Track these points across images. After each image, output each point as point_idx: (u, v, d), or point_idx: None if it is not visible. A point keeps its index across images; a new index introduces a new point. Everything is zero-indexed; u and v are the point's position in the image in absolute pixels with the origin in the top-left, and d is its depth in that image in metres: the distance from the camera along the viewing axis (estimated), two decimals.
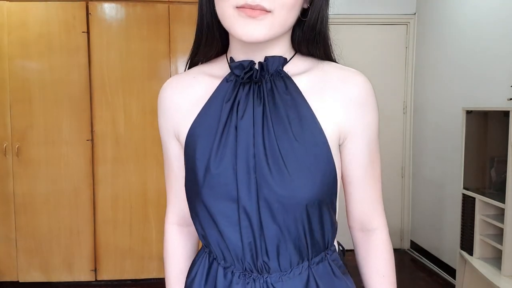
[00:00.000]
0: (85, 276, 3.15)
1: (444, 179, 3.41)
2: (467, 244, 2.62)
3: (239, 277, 0.77)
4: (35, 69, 3.01)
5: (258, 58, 0.75)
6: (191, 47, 0.85)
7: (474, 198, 2.54)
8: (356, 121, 0.76)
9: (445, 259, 3.39)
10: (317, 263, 0.78)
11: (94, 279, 3.16)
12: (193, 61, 0.85)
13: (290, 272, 0.76)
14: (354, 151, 0.78)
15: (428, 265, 3.62)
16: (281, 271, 0.76)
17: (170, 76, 3.05)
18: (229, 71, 0.77)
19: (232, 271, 0.77)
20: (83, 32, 3.01)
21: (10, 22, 2.97)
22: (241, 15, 0.67)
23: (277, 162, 0.70)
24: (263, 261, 0.75)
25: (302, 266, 0.77)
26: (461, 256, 2.68)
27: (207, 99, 0.77)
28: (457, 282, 2.79)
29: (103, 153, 3.09)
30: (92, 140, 3.07)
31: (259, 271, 0.76)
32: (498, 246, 2.33)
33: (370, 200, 0.82)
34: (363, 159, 0.79)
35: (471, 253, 2.57)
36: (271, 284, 0.76)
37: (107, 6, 3.02)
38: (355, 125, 0.76)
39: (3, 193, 3.06)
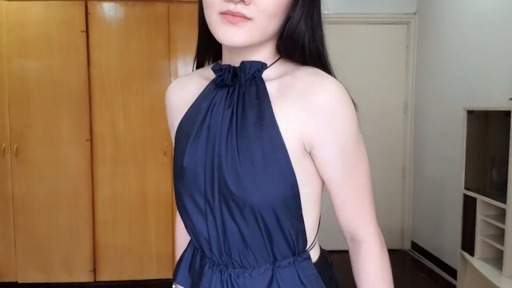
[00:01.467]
0: (84, 276, 3.14)
1: (445, 179, 3.40)
2: (468, 244, 2.61)
3: (209, 267, 0.82)
4: (34, 69, 3.00)
5: (239, 62, 0.78)
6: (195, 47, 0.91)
7: (475, 198, 2.53)
8: (322, 129, 0.74)
9: (446, 260, 3.38)
10: (284, 267, 0.79)
11: (93, 280, 3.15)
12: (199, 63, 0.91)
13: (252, 270, 0.79)
14: (324, 160, 0.77)
15: (429, 265, 3.61)
16: (243, 267, 0.79)
17: (170, 76, 3.06)
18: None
19: (206, 260, 0.83)
20: (82, 31, 3.00)
21: (8, 21, 2.96)
22: (223, 21, 0.70)
23: (234, 164, 0.73)
24: (226, 255, 0.79)
25: (266, 268, 0.79)
26: (462, 256, 2.67)
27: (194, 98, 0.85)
28: (458, 283, 2.78)
29: (102, 153, 3.08)
30: (91, 140, 3.06)
31: (224, 264, 0.80)
32: (499, 246, 2.32)
33: (353, 209, 0.81)
34: (337, 168, 0.77)
35: (472, 254, 2.56)
36: (234, 278, 0.79)
37: (106, 6, 3.01)
38: (321, 133, 0.74)
39: (2, 193, 3.05)
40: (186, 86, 0.88)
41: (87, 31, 3.00)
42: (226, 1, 0.69)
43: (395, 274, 0.88)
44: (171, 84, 0.90)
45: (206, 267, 0.82)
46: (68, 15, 2.98)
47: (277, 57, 0.81)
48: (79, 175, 3.07)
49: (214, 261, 0.81)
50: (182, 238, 0.99)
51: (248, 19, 0.70)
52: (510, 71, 2.60)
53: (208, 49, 0.85)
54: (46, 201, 3.07)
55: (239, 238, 0.76)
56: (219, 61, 0.85)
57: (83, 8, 2.99)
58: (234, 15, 0.69)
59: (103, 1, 3.00)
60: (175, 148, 0.84)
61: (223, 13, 0.70)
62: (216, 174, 0.75)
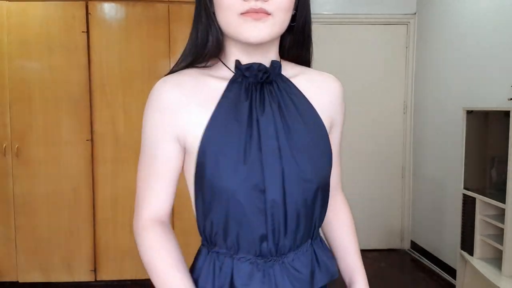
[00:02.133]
0: (84, 276, 3.14)
1: (444, 179, 3.41)
2: (467, 244, 2.62)
3: (258, 266, 0.81)
4: (34, 69, 3.01)
5: (258, 60, 0.82)
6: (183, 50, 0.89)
7: (474, 198, 2.54)
8: (338, 114, 0.93)
9: (446, 260, 3.39)
10: (315, 238, 0.89)
11: (93, 279, 3.16)
12: (194, 62, 0.86)
13: (300, 250, 0.84)
14: (334, 139, 0.93)
15: (429, 265, 3.61)
16: (294, 250, 0.83)
17: None
18: (229, 73, 0.83)
19: (251, 261, 0.81)
20: (82, 32, 3.00)
21: (9, 22, 2.97)
22: (246, 20, 0.75)
23: (299, 151, 0.80)
24: (283, 243, 0.81)
25: (307, 243, 0.86)
26: (462, 256, 2.68)
27: (216, 100, 0.81)
28: (457, 283, 2.78)
29: (103, 153, 3.08)
30: (91, 140, 3.07)
31: (278, 253, 0.81)
32: (499, 246, 2.32)
33: (337, 172, 0.99)
34: (338, 145, 0.97)
35: (471, 253, 2.57)
36: (288, 264, 0.82)
37: (106, 6, 3.02)
38: (338, 117, 0.93)
39: (3, 193, 3.06)
40: (196, 86, 0.82)
41: (87, 32, 3.01)
42: (246, 1, 0.73)
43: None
44: (167, 82, 0.82)
45: (255, 268, 0.81)
46: (68, 15, 2.99)
47: (279, 56, 0.88)
48: (79, 175, 3.08)
49: (265, 255, 0.81)
50: (172, 245, 0.88)
51: (269, 14, 0.75)
52: (509, 71, 2.61)
53: (204, 49, 0.84)
54: (46, 200, 3.07)
55: (298, 222, 0.81)
56: (220, 60, 0.86)
57: (84, 8, 2.99)
58: (257, 12, 0.74)
59: (103, 1, 3.01)
60: (210, 151, 0.78)
61: (244, 13, 0.74)
62: (278, 166, 0.78)
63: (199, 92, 0.82)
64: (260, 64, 0.81)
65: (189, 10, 3.05)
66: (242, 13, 0.74)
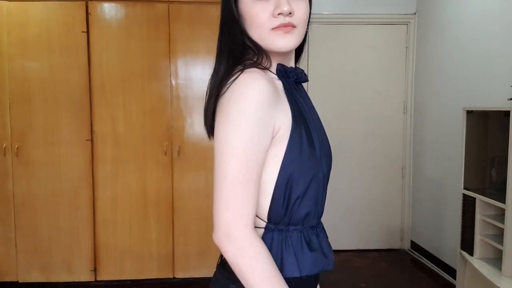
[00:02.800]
0: (84, 276, 3.15)
1: (444, 179, 3.41)
2: (467, 244, 2.62)
3: (313, 233, 0.95)
4: (34, 69, 3.01)
5: (285, 63, 0.96)
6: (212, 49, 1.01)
7: (474, 198, 2.54)
8: None
9: (446, 259, 3.39)
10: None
11: (93, 280, 3.16)
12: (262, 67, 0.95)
13: (319, 224, 1.00)
14: None
15: (429, 265, 3.61)
16: (319, 223, 1.00)
17: (170, 76, 3.06)
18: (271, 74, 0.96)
19: (310, 231, 0.95)
20: (82, 32, 3.01)
21: (9, 22, 2.97)
22: (277, 33, 0.89)
23: (326, 136, 1.00)
24: (320, 214, 0.99)
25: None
26: (462, 256, 2.68)
27: (282, 94, 0.92)
28: (457, 282, 2.78)
29: (103, 153, 3.09)
30: (91, 140, 3.07)
31: (318, 223, 0.98)
32: (499, 246, 2.32)
33: None
34: None
35: (471, 253, 2.57)
36: (321, 232, 0.99)
37: (106, 6, 3.02)
38: None
39: (3, 193, 3.06)
40: (270, 81, 0.90)
41: (87, 32, 3.01)
42: (275, 17, 0.87)
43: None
44: (260, 79, 0.85)
45: (315, 234, 0.95)
46: (68, 15, 2.99)
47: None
48: (79, 175, 3.08)
49: (314, 225, 0.96)
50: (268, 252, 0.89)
51: (294, 27, 0.89)
52: (509, 71, 2.61)
53: (267, 57, 0.94)
54: (46, 200, 3.08)
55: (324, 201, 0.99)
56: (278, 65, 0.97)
57: (84, 8, 3.00)
58: (286, 26, 0.88)
59: (103, 1, 3.01)
60: (301, 136, 0.89)
61: (275, 28, 0.88)
62: (328, 143, 1.00)
63: (275, 86, 0.90)
64: (297, 68, 0.99)
65: (188, 10, 3.05)
66: (273, 28, 0.88)
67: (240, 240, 0.82)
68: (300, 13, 0.90)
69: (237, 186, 0.82)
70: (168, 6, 3.04)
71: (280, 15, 0.87)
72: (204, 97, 0.98)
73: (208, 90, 0.95)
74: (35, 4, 2.98)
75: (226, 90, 0.86)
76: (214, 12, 3.04)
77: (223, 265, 0.95)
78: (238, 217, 0.82)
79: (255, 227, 0.87)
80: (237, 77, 0.86)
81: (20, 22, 2.98)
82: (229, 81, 0.87)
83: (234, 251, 0.82)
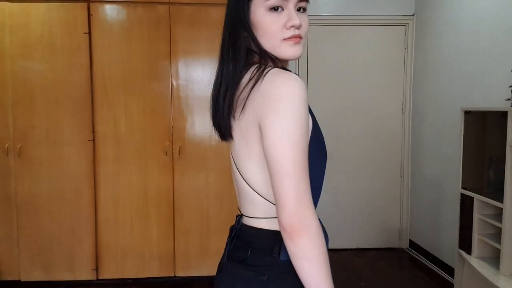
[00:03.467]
0: (86, 275, 3.16)
1: (442, 178, 3.43)
2: (465, 243, 2.64)
3: None
4: (36, 70, 3.03)
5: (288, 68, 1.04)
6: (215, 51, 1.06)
7: (472, 198, 2.55)
8: None
9: (444, 258, 3.41)
10: None
11: (95, 278, 3.18)
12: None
13: None
14: None
15: (427, 264, 3.64)
16: None
17: (171, 77, 3.09)
18: None
19: None
20: (84, 33, 3.02)
21: (11, 23, 2.99)
22: (288, 43, 0.97)
23: None
24: None
25: None
26: (460, 255, 2.70)
27: None
28: (455, 281, 2.80)
29: (105, 153, 3.11)
30: (93, 140, 3.09)
31: None
32: (497, 245, 2.34)
33: None
34: None
35: (469, 253, 2.59)
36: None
37: (108, 7, 3.04)
38: None
39: (5, 192, 3.08)
40: None
41: (89, 33, 3.03)
42: (287, 29, 0.96)
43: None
44: (298, 78, 0.92)
45: None
46: (70, 16, 3.01)
47: None
48: (81, 174, 3.10)
49: None
50: None
51: (301, 38, 0.99)
52: (507, 72, 2.63)
53: (272, 61, 1.01)
54: (48, 200, 3.10)
55: None
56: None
57: (86, 9, 3.02)
58: (296, 37, 0.97)
59: (105, 3, 3.03)
60: (318, 131, 0.99)
61: (286, 39, 0.97)
62: None
63: None
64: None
65: (189, 12, 3.07)
66: (284, 39, 0.97)
67: (314, 226, 0.86)
68: (305, 26, 1.01)
69: (304, 174, 0.87)
70: (169, 7, 3.06)
71: (292, 28, 0.96)
72: (208, 98, 1.06)
73: (220, 91, 1.01)
74: (37, 5, 2.99)
75: (261, 88, 0.91)
76: (215, 14, 3.06)
77: (242, 261, 0.99)
78: (309, 203, 0.87)
79: None
80: (265, 75, 0.92)
81: (22, 23, 2.99)
82: (257, 80, 0.93)
83: (310, 236, 0.85)
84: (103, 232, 3.15)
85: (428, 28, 3.70)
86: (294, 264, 0.87)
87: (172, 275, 3.23)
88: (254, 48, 1.00)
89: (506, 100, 2.45)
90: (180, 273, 3.23)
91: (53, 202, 3.10)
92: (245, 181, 1.01)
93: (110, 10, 3.04)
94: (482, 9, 2.93)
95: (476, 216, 2.54)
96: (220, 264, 1.08)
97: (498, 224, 2.33)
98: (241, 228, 1.04)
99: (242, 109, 0.94)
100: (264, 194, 0.98)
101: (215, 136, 1.21)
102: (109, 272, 3.18)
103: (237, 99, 0.97)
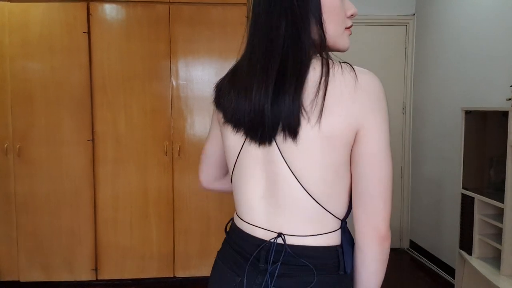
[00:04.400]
0: (85, 275, 3.16)
1: (443, 179, 3.43)
2: (466, 243, 2.63)
3: None
4: (36, 70, 3.02)
5: None
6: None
7: (473, 198, 2.55)
8: None
9: (445, 259, 3.40)
10: None
11: (94, 279, 3.17)
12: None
13: None
14: None
15: (428, 264, 3.63)
16: None
17: (171, 77, 3.08)
18: None
19: None
20: (84, 32, 3.02)
21: (11, 22, 2.98)
22: (347, 34, 0.92)
23: None
24: None
25: None
26: (460, 255, 2.69)
27: None
28: (456, 282, 2.79)
29: (104, 153, 3.10)
30: (93, 140, 3.09)
31: None
32: (497, 245, 2.34)
33: None
34: None
35: (470, 253, 2.58)
36: None
37: (107, 7, 3.03)
38: None
39: (4, 192, 3.07)
40: None
41: (88, 32, 3.03)
42: (349, 18, 0.91)
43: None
44: None
45: None
46: (70, 16, 3.01)
47: None
48: (81, 174, 3.09)
49: None
50: None
51: None
52: (507, 72, 2.63)
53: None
54: (48, 200, 3.09)
55: None
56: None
57: (85, 9, 3.01)
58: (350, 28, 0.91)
59: (104, 2, 3.02)
60: None
61: (347, 28, 0.91)
62: None
63: None
64: None
65: (189, 11, 3.06)
66: (346, 28, 0.91)
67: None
68: None
69: (391, 187, 0.86)
70: (169, 7, 3.05)
71: (351, 17, 0.90)
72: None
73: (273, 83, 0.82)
74: (36, 5, 2.99)
75: (361, 83, 0.83)
76: (215, 13, 3.06)
77: None
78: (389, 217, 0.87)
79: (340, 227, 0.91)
80: (352, 69, 0.86)
81: (22, 22, 2.99)
82: (330, 74, 0.83)
83: (388, 245, 0.88)
84: (103, 232, 3.15)
85: (428, 28, 3.69)
86: (370, 270, 0.88)
87: (172, 276, 3.22)
88: (313, 35, 0.86)
89: (507, 100, 2.44)
90: (180, 274, 3.22)
91: (53, 202, 3.09)
92: (310, 195, 0.85)
93: (109, 10, 3.04)
94: (482, 8, 2.93)
95: (476, 216, 2.53)
96: None
97: (498, 224, 2.32)
98: (287, 250, 0.86)
99: (322, 107, 0.80)
100: (329, 208, 0.87)
101: None
102: (108, 273, 3.18)
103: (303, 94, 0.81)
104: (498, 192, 2.40)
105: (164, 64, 3.09)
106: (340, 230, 0.89)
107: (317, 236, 0.87)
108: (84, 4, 3.01)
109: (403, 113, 4.02)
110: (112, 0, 3.03)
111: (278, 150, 0.85)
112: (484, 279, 2.32)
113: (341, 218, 0.89)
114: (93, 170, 3.10)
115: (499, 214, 2.37)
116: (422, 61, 3.80)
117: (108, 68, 3.06)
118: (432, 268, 3.55)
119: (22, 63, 3.01)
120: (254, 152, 0.89)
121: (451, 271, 3.22)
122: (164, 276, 3.21)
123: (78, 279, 3.16)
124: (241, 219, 0.96)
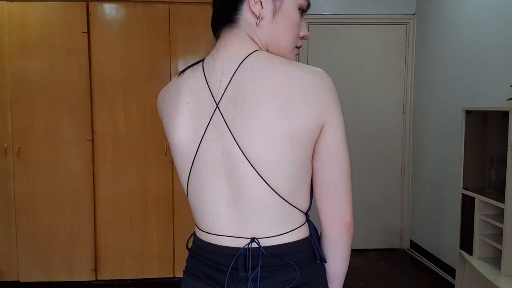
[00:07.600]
0: (85, 276, 3.15)
1: (443, 179, 3.42)
2: (466, 244, 2.63)
3: None
4: (35, 70, 3.02)
5: None
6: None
7: (473, 198, 2.54)
8: None
9: (445, 259, 3.40)
10: None
11: (94, 279, 3.17)
12: None
13: None
14: None
15: (428, 264, 3.62)
16: None
17: (170, 76, 3.07)
18: None
19: None
20: (83, 32, 3.01)
21: (10, 22, 2.98)
22: (295, 52, 0.95)
23: None
24: None
25: None
26: (461, 256, 2.69)
27: None
28: (456, 282, 2.79)
29: (104, 153, 3.09)
30: (92, 140, 3.08)
31: None
32: (498, 246, 2.33)
33: None
34: None
35: (470, 253, 2.58)
36: None
37: (107, 7, 3.03)
38: None
39: (4, 193, 3.07)
40: None
41: (88, 32, 3.02)
42: (300, 38, 0.94)
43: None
44: None
45: None
46: (69, 16, 3.00)
47: None
48: (80, 174, 3.09)
49: None
50: None
51: None
52: (508, 71, 2.62)
53: None
54: (47, 200, 3.09)
55: None
56: None
57: (85, 9, 3.00)
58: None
59: (104, 2, 3.02)
60: None
61: (297, 47, 0.94)
62: None
63: None
64: None
65: (189, 11, 3.06)
66: (297, 47, 0.94)
67: (351, 231, 0.94)
68: None
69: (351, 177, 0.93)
70: (169, 6, 3.05)
71: (303, 39, 0.95)
72: None
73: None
74: (36, 4, 2.98)
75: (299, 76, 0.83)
76: None
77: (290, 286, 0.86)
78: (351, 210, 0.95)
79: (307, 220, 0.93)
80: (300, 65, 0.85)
81: (21, 22, 2.98)
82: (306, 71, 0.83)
83: (352, 232, 0.94)
84: (102, 232, 3.14)
85: (429, 27, 3.68)
86: (340, 257, 0.94)
87: (172, 276, 3.22)
88: (256, 32, 0.88)
89: (507, 99, 2.43)
90: (180, 274, 3.21)
91: (52, 202, 3.09)
92: (278, 194, 0.84)
93: (109, 10, 3.03)
94: (483, 8, 2.92)
95: (477, 217, 2.53)
96: None
97: (499, 225, 2.32)
98: (264, 253, 0.84)
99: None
100: (296, 204, 0.86)
101: None
102: (108, 273, 3.17)
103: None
104: (498, 192, 2.39)
105: (164, 64, 3.09)
106: (306, 223, 0.93)
107: (289, 233, 0.87)
108: (83, 4, 3.00)
109: (403, 113, 4.01)
110: (112, 0, 3.03)
111: (240, 151, 0.82)
112: (485, 279, 2.32)
113: (305, 212, 0.91)
114: (93, 170, 3.10)
115: (500, 214, 2.36)
116: (423, 61, 3.79)
117: (107, 68, 3.05)
118: (433, 268, 3.54)
119: (22, 63, 3.01)
120: (212, 155, 0.85)
121: (451, 271, 3.21)
122: (164, 276, 3.21)
123: (77, 279, 3.15)
124: (205, 232, 0.93)
